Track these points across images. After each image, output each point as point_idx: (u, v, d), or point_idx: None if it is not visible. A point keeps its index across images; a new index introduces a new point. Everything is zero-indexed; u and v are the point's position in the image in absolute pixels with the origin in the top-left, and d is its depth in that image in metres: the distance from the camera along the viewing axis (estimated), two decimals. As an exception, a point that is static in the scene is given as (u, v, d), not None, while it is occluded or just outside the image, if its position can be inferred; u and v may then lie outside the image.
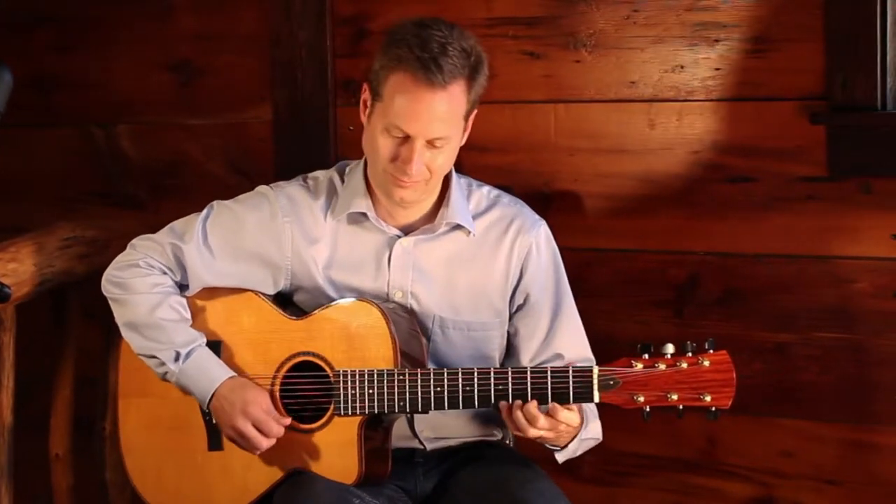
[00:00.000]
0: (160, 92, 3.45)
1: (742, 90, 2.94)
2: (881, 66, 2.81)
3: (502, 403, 2.50)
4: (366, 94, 2.61)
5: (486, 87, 2.61)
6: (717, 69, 2.95)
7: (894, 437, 2.89)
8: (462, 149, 2.68)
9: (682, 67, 2.98)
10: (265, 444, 2.58)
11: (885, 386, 2.89)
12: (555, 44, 3.07)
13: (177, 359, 2.62)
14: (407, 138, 2.54)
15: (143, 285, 2.65)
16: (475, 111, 2.61)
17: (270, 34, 3.31)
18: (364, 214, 2.67)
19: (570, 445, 2.61)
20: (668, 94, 3.00)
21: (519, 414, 2.49)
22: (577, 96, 3.07)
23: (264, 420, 2.57)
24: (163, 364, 2.63)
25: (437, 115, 2.52)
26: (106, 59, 3.50)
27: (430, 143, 2.55)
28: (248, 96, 3.37)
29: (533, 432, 2.50)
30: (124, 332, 2.68)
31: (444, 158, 2.58)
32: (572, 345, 2.69)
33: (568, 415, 2.50)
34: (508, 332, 2.74)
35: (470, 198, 2.73)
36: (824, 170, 2.88)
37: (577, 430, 2.57)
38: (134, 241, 2.72)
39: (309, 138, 3.29)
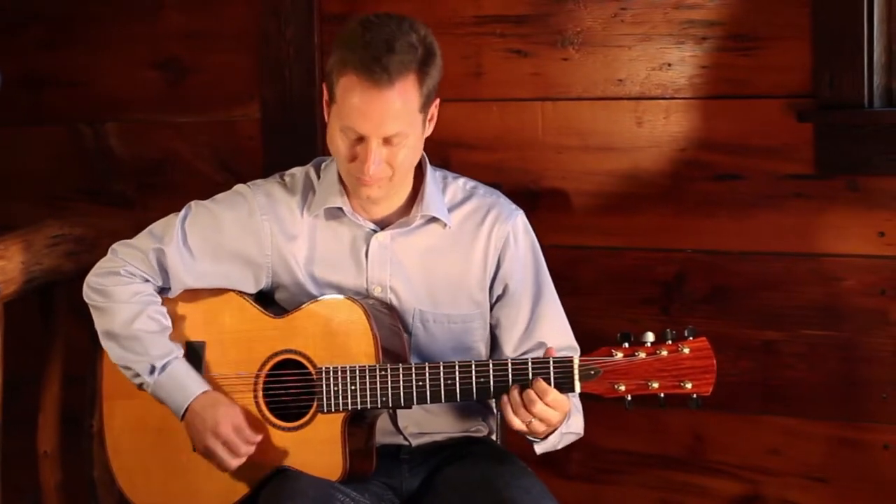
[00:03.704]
0: (148, 90, 3.45)
1: (729, 88, 2.94)
2: (868, 63, 2.81)
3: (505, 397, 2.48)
4: (326, 95, 2.61)
5: (441, 77, 2.56)
6: (705, 67, 2.95)
7: (881, 434, 2.90)
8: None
9: (669, 65, 2.98)
10: (234, 463, 2.58)
11: (872, 383, 2.89)
12: (542, 42, 3.07)
13: (152, 371, 2.62)
14: (362, 138, 2.53)
15: (123, 294, 2.65)
16: (436, 101, 2.59)
17: (258, 32, 3.31)
18: (340, 209, 2.67)
19: (551, 438, 2.59)
20: (656, 92, 3.00)
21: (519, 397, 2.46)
22: (565, 94, 3.07)
23: (233, 441, 2.57)
24: (138, 375, 2.63)
25: (389, 114, 2.50)
26: (94, 56, 3.50)
27: (387, 141, 2.53)
28: (236, 94, 3.37)
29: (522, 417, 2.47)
30: (103, 341, 2.68)
31: (405, 154, 2.56)
32: (555, 333, 2.67)
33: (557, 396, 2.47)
34: (491, 324, 2.72)
35: (446, 190, 2.71)
36: (811, 167, 2.88)
37: (561, 420, 2.55)
38: (115, 245, 2.70)
39: (297, 136, 3.29)
